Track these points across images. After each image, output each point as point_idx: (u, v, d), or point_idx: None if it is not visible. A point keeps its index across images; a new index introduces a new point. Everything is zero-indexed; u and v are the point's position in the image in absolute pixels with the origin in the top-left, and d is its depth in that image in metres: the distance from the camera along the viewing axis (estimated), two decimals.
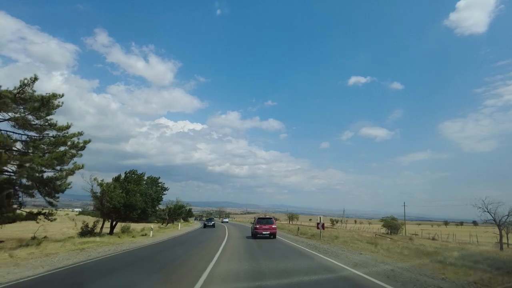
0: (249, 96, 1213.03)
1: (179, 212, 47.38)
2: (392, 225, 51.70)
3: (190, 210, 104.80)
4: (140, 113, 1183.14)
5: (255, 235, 21.61)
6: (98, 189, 20.79)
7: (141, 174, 29.77)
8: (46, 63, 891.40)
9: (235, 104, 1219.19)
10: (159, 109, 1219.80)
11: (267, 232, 21.14)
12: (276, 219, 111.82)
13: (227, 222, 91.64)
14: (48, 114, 14.64)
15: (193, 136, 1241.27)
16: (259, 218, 23.82)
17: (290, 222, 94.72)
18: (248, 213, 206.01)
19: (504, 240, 23.85)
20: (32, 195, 15.51)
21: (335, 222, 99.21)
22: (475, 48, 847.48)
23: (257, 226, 21.70)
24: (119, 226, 26.76)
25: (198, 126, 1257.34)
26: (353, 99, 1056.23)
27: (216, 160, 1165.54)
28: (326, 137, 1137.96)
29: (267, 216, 29.30)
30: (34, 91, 13.81)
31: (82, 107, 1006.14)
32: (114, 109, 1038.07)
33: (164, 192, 31.79)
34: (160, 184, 31.60)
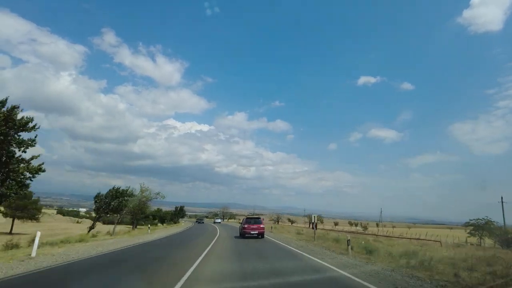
0: (256, 97, 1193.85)
1: (114, 207, 25.39)
2: (495, 233, 30.80)
3: (181, 208, 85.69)
4: (148, 114, 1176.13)
5: (243, 234, 21.58)
6: None
7: None
8: (54, 63, 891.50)
9: (242, 105, 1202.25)
10: (167, 110, 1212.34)
11: (255, 232, 21.24)
12: (292, 222, 77.75)
13: (220, 223, 78.68)
14: None
15: (200, 137, 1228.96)
16: (247, 218, 24.52)
17: (311, 227, 74.29)
18: (255, 214, 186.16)
19: None
20: None
21: (353, 225, 78.14)
22: (489, 47, 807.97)
23: (245, 225, 21.85)
24: None
25: (205, 127, 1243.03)
26: (362, 99, 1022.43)
27: (223, 161, 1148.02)
28: (334, 139, 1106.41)
29: (255, 216, 31.73)
30: None
31: (90, 108, 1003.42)
32: (122, 109, 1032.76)
33: (32, 141, 11.68)
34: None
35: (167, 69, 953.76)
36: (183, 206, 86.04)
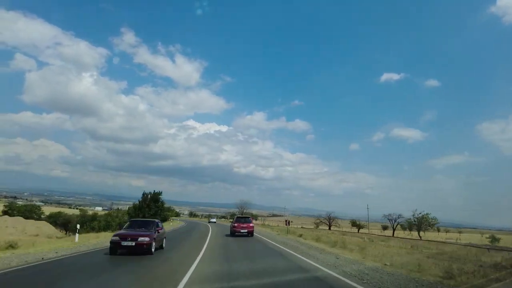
0: (275, 96, 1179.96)
1: None
2: None
3: (155, 198, 39.52)
4: (168, 115, 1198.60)
5: (233, 233, 22.89)
6: None
7: None
8: (76, 64, 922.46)
9: (260, 104, 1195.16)
10: (186, 110, 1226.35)
11: (245, 230, 22.72)
12: (360, 227, 64.22)
13: (215, 222, 69.86)
14: None
15: (219, 137, 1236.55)
16: (237, 217, 26.22)
17: (414, 233, 49.92)
18: (274, 215, 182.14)
19: None
20: None
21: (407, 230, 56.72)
22: None
23: (236, 224, 23.38)
24: None
25: (224, 128, 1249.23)
26: (385, 97, 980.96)
27: (242, 162, 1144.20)
28: (355, 139, 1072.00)
29: (244, 216, 32.42)
30: None
31: (111, 109, 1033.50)
32: (143, 110, 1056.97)
33: None
34: None
35: (186, 69, 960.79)
36: (160, 193, 41.39)
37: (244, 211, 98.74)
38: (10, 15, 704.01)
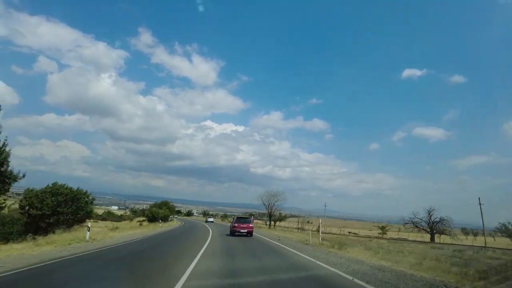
0: (292, 94, 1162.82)
1: None
2: None
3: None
4: (185, 115, 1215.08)
5: (233, 233, 23.09)
6: None
7: None
8: (95, 66, 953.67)
9: (277, 104, 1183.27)
10: (203, 111, 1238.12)
11: (245, 231, 22.92)
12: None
13: (212, 222, 64.94)
14: None
15: (236, 137, 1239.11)
16: (237, 217, 26.50)
17: None
18: (292, 216, 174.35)
19: None
20: None
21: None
22: None
23: (236, 224, 23.71)
24: None
25: (240, 128, 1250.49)
26: (407, 95, 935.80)
27: (259, 162, 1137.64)
28: (375, 138, 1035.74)
29: (244, 216, 33.24)
30: None
31: (130, 110, 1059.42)
32: (161, 111, 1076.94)
33: None
34: None
35: (203, 68, 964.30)
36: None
37: (273, 211, 65.55)
38: (34, 20, 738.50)
